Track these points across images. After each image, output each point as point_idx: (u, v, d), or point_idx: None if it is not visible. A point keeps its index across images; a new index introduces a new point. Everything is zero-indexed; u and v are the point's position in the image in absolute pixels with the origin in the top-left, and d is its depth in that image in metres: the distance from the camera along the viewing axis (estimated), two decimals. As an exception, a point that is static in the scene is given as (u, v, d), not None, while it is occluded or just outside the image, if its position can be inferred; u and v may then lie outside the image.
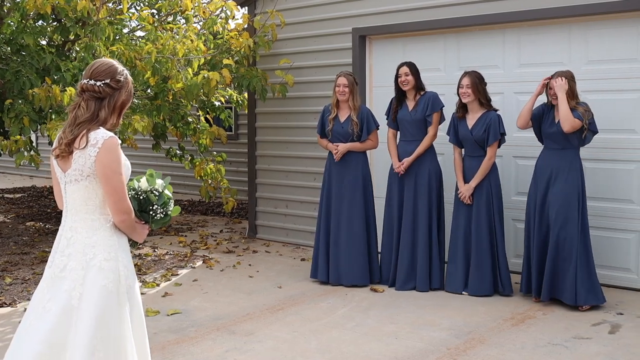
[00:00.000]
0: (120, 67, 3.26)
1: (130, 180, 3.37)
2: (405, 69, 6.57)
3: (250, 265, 7.61)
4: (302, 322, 5.63)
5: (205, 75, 7.61)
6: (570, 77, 5.87)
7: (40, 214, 11.15)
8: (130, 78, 3.31)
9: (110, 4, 8.18)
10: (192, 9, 8.44)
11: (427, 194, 6.54)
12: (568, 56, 6.60)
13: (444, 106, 6.57)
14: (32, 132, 7.77)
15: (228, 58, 8.14)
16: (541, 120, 6.10)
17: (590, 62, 6.50)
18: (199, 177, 8.84)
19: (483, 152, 6.29)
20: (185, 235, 9.29)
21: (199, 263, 7.68)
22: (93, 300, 3.08)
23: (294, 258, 7.92)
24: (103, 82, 3.18)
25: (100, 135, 3.12)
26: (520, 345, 5.01)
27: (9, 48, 8.07)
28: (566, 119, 5.74)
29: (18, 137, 7.49)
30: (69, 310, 3.07)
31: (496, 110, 6.32)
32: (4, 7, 8.01)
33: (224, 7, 8.53)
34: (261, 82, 8.21)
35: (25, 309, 5.93)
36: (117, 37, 8.37)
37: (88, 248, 3.15)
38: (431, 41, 7.49)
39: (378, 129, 6.73)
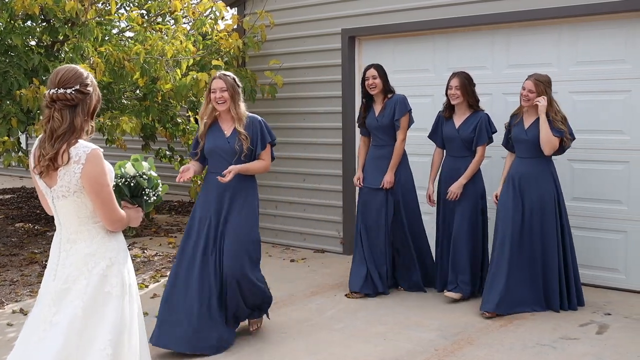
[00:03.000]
0: (84, 71, 3.20)
1: (117, 168, 3.36)
2: (372, 72, 6.28)
3: (239, 266, 7.58)
4: (291, 323, 5.62)
5: (195, 76, 7.60)
6: (547, 83, 5.77)
7: (30, 215, 11.10)
8: (95, 81, 3.26)
9: (99, 5, 8.15)
10: (181, 9, 8.43)
11: (400, 202, 6.33)
12: (557, 57, 6.62)
13: (411, 109, 6.30)
14: (20, 133, 7.73)
15: (217, 59, 8.13)
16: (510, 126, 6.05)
17: (579, 63, 6.52)
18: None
19: (469, 153, 6.16)
20: (175, 236, 9.27)
21: (188, 264, 7.65)
22: (100, 308, 3.11)
23: (283, 259, 7.91)
24: (73, 89, 3.10)
25: (82, 150, 3.08)
26: (509, 346, 5.02)
27: (-4, 49, 8.04)
28: (547, 142, 5.66)
29: (6, 138, 7.46)
30: (76, 321, 3.07)
31: (484, 111, 6.23)
32: (-8, 8, 7.97)
33: (213, 8, 8.52)
34: (250, 83, 8.21)
35: (21, 310, 5.91)
36: (105, 38, 8.35)
37: (89, 257, 3.15)
38: (420, 42, 7.49)
39: (274, 144, 5.28)
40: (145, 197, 3.36)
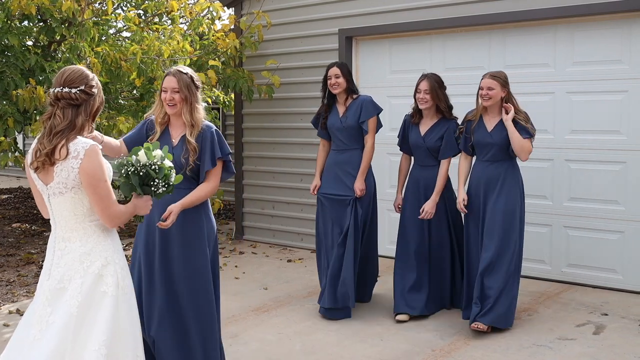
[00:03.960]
0: (90, 73, 3.25)
1: (129, 156, 3.34)
2: (335, 70, 5.81)
3: (236, 266, 7.59)
4: (288, 323, 5.61)
5: (192, 76, 7.58)
6: (505, 79, 5.39)
7: (27, 215, 11.09)
8: (100, 84, 3.31)
9: (96, 5, 8.14)
10: (178, 9, 8.42)
11: (366, 212, 5.85)
12: (553, 57, 6.62)
13: (381, 110, 5.88)
14: (16, 133, 7.73)
15: (214, 59, 8.12)
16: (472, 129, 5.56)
17: (575, 64, 6.52)
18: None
19: (436, 162, 5.68)
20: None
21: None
22: (95, 307, 3.11)
23: (281, 259, 7.90)
24: (78, 89, 3.16)
25: (81, 145, 3.10)
26: (505, 347, 5.01)
27: (-7, 49, 8.03)
28: (521, 149, 5.24)
29: (2, 138, 7.45)
30: (71, 321, 3.07)
31: (454, 119, 5.72)
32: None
33: (210, 8, 8.52)
34: (247, 83, 8.20)
35: (18, 311, 5.90)
36: (102, 38, 8.34)
37: (84, 256, 3.16)
38: (417, 42, 7.49)
39: (227, 160, 4.16)
40: (153, 188, 3.33)
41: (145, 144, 3.39)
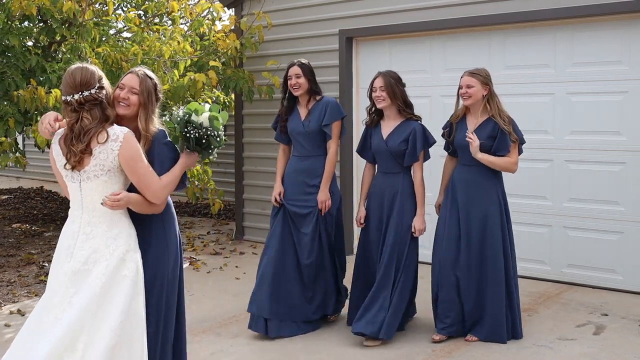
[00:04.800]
0: (94, 67, 3.43)
1: (187, 109, 3.53)
2: (295, 70, 5.32)
3: (237, 267, 7.60)
4: (289, 324, 5.61)
5: (192, 77, 7.61)
6: (486, 75, 5.07)
7: (27, 215, 11.08)
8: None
9: (96, 5, 8.15)
10: (178, 10, 8.44)
11: (324, 224, 5.38)
12: (553, 58, 6.63)
13: (345, 115, 5.41)
14: (17, 133, 7.73)
15: (215, 59, 8.13)
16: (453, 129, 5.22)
17: (575, 65, 6.53)
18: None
19: (401, 169, 5.14)
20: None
21: (186, 265, 7.67)
22: (116, 289, 3.26)
23: (281, 260, 7.90)
24: (96, 87, 3.34)
25: (119, 130, 3.32)
26: (506, 347, 5.02)
27: (-6, 49, 8.04)
28: (507, 169, 5.02)
29: (3, 138, 7.46)
30: (93, 299, 3.21)
31: (418, 119, 5.20)
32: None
33: (210, 9, 8.54)
34: (248, 84, 8.22)
35: (19, 311, 5.91)
36: (103, 39, 8.35)
37: (110, 240, 3.32)
38: (417, 43, 7.50)
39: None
40: (209, 151, 3.58)
41: (211, 106, 3.60)
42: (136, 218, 3.50)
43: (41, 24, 8.31)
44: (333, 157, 5.32)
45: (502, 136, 4.98)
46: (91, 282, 3.23)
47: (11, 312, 5.94)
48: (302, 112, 5.42)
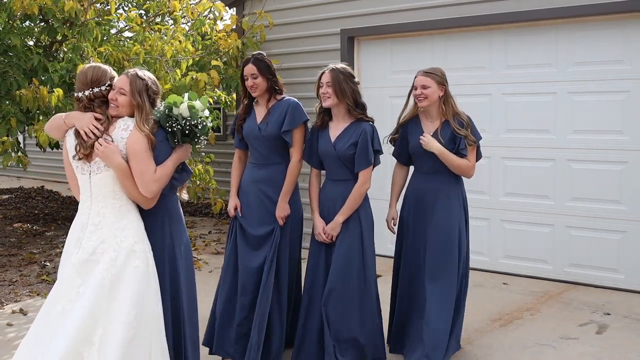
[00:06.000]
0: (105, 65, 3.60)
1: (167, 103, 3.59)
2: (250, 69, 4.57)
3: (238, 266, 7.58)
4: (291, 323, 5.61)
5: (194, 76, 7.61)
6: (441, 74, 4.57)
7: (28, 215, 11.08)
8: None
9: (98, 5, 8.15)
10: (180, 9, 8.44)
11: (287, 237, 4.71)
12: (555, 57, 6.63)
13: (308, 119, 4.66)
14: (19, 133, 7.74)
15: (216, 59, 8.14)
16: (407, 134, 4.74)
17: (576, 64, 6.53)
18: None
19: (350, 175, 4.47)
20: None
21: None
22: (127, 280, 3.29)
23: (283, 259, 7.90)
24: (106, 84, 3.50)
25: (130, 121, 3.46)
26: (508, 346, 5.02)
27: (-5, 49, 8.05)
28: (463, 171, 4.56)
29: (5, 138, 7.46)
30: (104, 291, 3.25)
31: (370, 121, 4.50)
32: (-9, 8, 7.98)
33: (212, 8, 8.54)
34: (249, 83, 8.20)
35: (21, 310, 5.91)
36: (104, 38, 8.35)
37: (118, 231, 3.36)
38: (418, 42, 7.50)
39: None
40: (197, 140, 3.69)
41: (189, 94, 3.69)
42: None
43: (42, 24, 8.31)
44: (295, 166, 4.63)
45: (462, 140, 4.53)
46: (99, 273, 3.27)
47: (13, 312, 5.94)
48: (260, 113, 4.68)
